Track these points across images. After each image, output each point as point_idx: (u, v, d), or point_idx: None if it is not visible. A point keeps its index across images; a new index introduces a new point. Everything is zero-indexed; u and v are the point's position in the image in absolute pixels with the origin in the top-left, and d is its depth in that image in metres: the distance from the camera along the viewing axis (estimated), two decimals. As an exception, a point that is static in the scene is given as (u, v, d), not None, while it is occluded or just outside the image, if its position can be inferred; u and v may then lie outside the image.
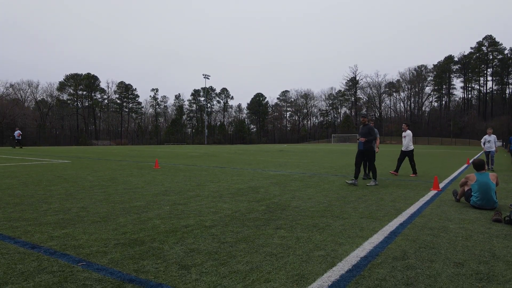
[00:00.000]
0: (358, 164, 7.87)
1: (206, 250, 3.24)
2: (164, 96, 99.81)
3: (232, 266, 2.83)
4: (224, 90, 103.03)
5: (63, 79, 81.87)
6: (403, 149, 10.32)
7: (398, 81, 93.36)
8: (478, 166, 5.52)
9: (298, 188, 7.30)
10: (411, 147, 10.26)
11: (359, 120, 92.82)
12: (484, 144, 12.66)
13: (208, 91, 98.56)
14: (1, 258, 2.96)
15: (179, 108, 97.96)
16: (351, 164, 14.11)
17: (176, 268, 2.78)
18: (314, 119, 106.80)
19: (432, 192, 6.90)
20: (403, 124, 10.64)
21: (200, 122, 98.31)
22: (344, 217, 4.66)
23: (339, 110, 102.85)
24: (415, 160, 10.57)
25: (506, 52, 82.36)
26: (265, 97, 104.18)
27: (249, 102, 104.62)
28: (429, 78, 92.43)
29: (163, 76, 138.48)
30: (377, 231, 3.96)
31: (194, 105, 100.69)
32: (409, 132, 10.39)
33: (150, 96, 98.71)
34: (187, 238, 3.59)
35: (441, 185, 7.90)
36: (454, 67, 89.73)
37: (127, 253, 3.13)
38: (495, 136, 12.63)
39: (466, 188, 5.61)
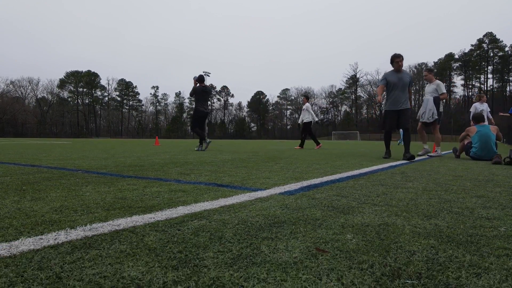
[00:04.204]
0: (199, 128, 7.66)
1: (205, 169, 3.25)
2: (165, 94, 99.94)
3: (231, 175, 2.83)
4: (224, 88, 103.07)
5: (64, 76, 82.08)
6: (299, 121, 10.52)
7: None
8: (478, 118, 5.51)
9: (298, 152, 7.31)
10: (308, 119, 10.26)
11: (359, 118, 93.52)
12: None
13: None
14: None
15: (180, 105, 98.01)
16: (351, 149, 14.11)
17: (175, 174, 2.79)
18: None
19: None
20: (303, 97, 10.78)
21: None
22: (343, 161, 4.67)
23: (340, 108, 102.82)
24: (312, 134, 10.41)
25: (506, 49, 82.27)
26: (266, 95, 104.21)
27: (249, 100, 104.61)
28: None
29: (163, 74, 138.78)
30: (376, 165, 3.97)
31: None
32: (307, 105, 10.44)
33: (151, 93, 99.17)
34: (186, 166, 3.60)
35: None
36: (454, 64, 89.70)
37: (127, 170, 3.14)
38: (487, 104, 9.29)
39: (466, 142, 5.61)
